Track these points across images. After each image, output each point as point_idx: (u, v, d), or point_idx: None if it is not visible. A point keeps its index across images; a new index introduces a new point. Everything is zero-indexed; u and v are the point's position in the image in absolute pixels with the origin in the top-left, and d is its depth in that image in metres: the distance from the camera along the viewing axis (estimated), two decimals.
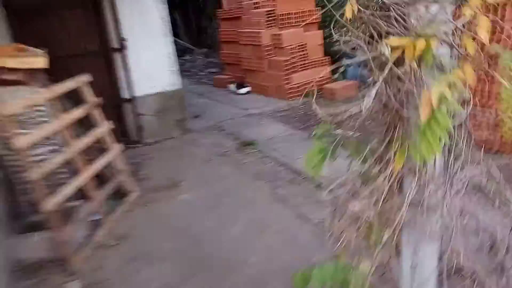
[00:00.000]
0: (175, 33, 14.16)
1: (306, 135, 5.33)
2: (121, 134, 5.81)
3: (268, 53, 7.33)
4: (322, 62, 7.47)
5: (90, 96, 3.92)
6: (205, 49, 12.63)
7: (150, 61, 5.57)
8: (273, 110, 6.73)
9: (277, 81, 7.17)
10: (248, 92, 7.90)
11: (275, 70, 7.18)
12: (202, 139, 5.79)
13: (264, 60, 7.37)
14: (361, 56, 1.17)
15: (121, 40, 5.29)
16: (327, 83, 7.25)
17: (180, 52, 13.16)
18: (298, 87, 7.14)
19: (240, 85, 7.97)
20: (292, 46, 7.07)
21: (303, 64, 7.25)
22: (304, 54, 7.21)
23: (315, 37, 7.39)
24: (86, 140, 3.70)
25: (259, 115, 6.56)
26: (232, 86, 8.04)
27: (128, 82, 5.53)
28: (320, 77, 7.32)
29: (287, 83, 7.09)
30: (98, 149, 4.10)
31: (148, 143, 5.78)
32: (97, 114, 3.98)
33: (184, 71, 11.13)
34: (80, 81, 3.86)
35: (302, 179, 4.19)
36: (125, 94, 5.60)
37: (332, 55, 7.81)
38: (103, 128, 3.97)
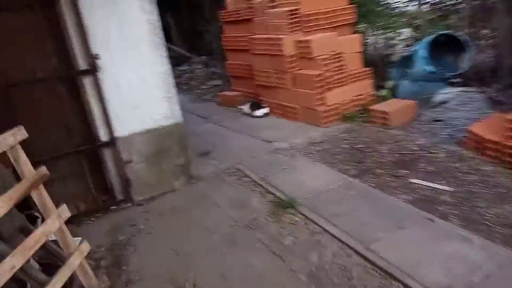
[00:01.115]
0: (167, 38, 12.46)
1: (368, 187, 3.63)
2: (100, 191, 4.07)
3: (293, 65, 5.61)
4: (362, 75, 5.76)
5: (28, 166, 2.18)
6: (204, 57, 10.89)
7: (135, 86, 3.85)
8: (307, 142, 5.02)
9: (307, 102, 5.45)
10: (265, 115, 6.17)
11: (304, 87, 5.45)
12: (216, 193, 4.06)
13: (287, 74, 5.64)
14: None
15: (92, 57, 3.54)
16: (371, 102, 5.54)
17: (175, 60, 11.41)
18: (334, 109, 5.42)
19: (256, 106, 6.25)
20: (325, 56, 5.34)
21: (340, 78, 5.53)
22: (340, 66, 5.49)
23: (352, 43, 5.69)
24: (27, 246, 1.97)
25: (290, 150, 4.83)
26: (246, 107, 6.30)
27: (105, 118, 3.79)
28: (358, 95, 5.62)
29: (321, 104, 5.37)
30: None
31: (139, 202, 4.05)
32: (44, 197, 2.24)
33: (181, 83, 9.41)
34: (12, 139, 2.12)
35: None
36: (102, 135, 3.86)
37: (375, 65, 6.12)
38: (54, 222, 2.23)
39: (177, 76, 9.98)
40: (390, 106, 5.15)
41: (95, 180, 4.07)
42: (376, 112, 5.17)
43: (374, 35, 6.95)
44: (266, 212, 3.57)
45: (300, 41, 5.49)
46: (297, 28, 5.57)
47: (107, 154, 3.94)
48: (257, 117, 6.19)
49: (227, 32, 7.27)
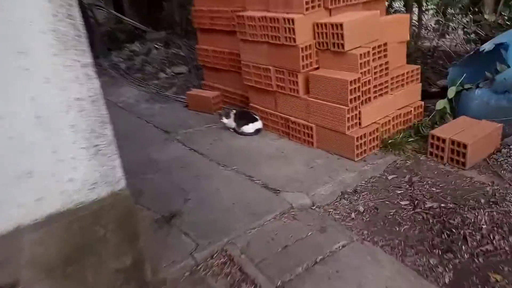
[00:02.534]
0: (118, 7, 9.90)
1: None
2: None
3: (309, 61, 3.56)
4: (408, 77, 3.81)
5: None
6: (163, 32, 8.52)
7: (21, 130, 1.68)
8: (337, 191, 3.13)
9: (331, 120, 3.49)
10: (257, 132, 4.13)
11: (327, 97, 3.46)
12: None
13: (298, 75, 3.59)
14: None
15: None
16: (423, 121, 3.65)
17: (124, 35, 9.00)
18: (373, 131, 3.47)
19: (243, 117, 4.18)
20: (364, 49, 3.33)
21: (382, 84, 3.55)
22: (385, 64, 3.50)
23: (398, 27, 3.70)
24: None
25: (314, 211, 2.91)
26: (229, 120, 4.22)
27: None
28: (403, 108, 3.72)
29: (354, 125, 3.40)
30: None
31: None
32: None
33: (132, 69, 7.08)
34: None
35: None
36: None
37: (420, 61, 4.21)
38: None
39: (127, 59, 7.66)
40: (462, 131, 3.27)
41: None
42: (439, 141, 3.27)
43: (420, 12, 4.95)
44: None
45: (322, 24, 3.44)
46: (317, 4, 3.49)
47: None
48: (246, 134, 4.14)
49: (200, 3, 5.04)
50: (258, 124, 4.14)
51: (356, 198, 3.07)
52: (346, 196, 3.09)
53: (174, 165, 3.70)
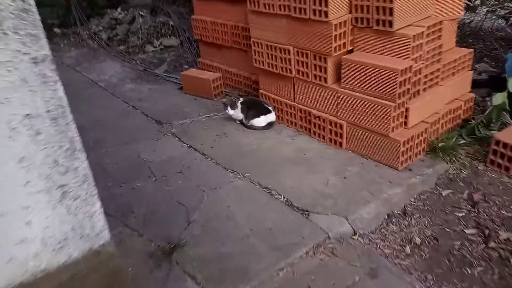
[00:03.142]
0: None
1: None
2: None
3: (342, 42, 2.81)
4: (459, 63, 3.09)
5: None
6: None
7: None
8: (382, 214, 2.49)
9: (370, 119, 2.78)
10: (270, 125, 3.40)
11: (366, 89, 2.71)
12: None
13: (327, 59, 2.84)
14: None
15: None
16: (478, 120, 2.99)
17: (107, 0, 7.97)
18: (420, 133, 2.78)
19: (252, 107, 3.43)
20: (418, 29, 2.59)
21: (434, 73, 2.83)
22: (438, 47, 2.78)
23: (448, 0, 2.94)
24: None
25: (357, 243, 2.28)
26: (236, 111, 3.47)
27: None
28: (452, 102, 3.04)
29: (399, 125, 2.70)
30: None
31: None
32: None
33: (113, 40, 6.17)
34: None
35: None
36: None
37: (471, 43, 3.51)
38: None
39: (108, 28, 6.71)
40: None
41: None
42: (506, 148, 2.61)
43: None
44: None
45: None
46: None
47: None
48: (256, 129, 3.41)
49: None
50: (271, 117, 3.41)
51: (407, 223, 2.41)
52: (394, 219, 2.43)
53: (171, 170, 2.97)
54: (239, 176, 2.82)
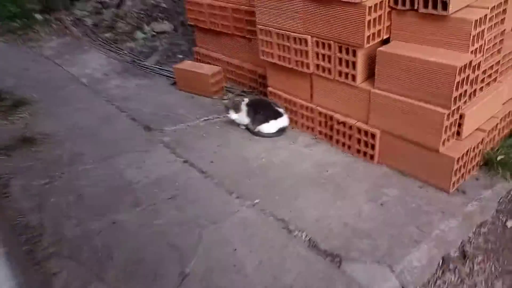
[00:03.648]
0: None
1: None
2: None
3: (376, 30, 2.16)
4: None
5: None
6: None
7: None
8: (438, 256, 1.93)
9: (410, 127, 2.15)
10: (281, 132, 2.78)
11: (406, 89, 2.11)
12: None
13: (360, 52, 2.19)
14: None
15: None
16: None
17: None
18: (477, 145, 2.16)
19: (260, 109, 2.81)
20: (479, 15, 1.93)
21: (493, 67, 2.19)
22: (500, 35, 2.13)
23: None
24: None
25: None
26: (240, 115, 2.86)
27: None
28: (504, 103, 2.40)
29: (451, 136, 2.08)
30: None
31: None
32: None
33: (100, 27, 5.48)
34: None
35: None
36: None
37: None
38: None
39: (94, 12, 6.01)
40: None
41: None
42: None
43: None
44: None
45: None
46: None
47: None
48: (265, 136, 2.80)
49: None
50: (283, 121, 2.80)
51: (468, 270, 1.84)
52: (451, 265, 1.85)
53: (161, 195, 2.38)
54: (246, 204, 2.23)
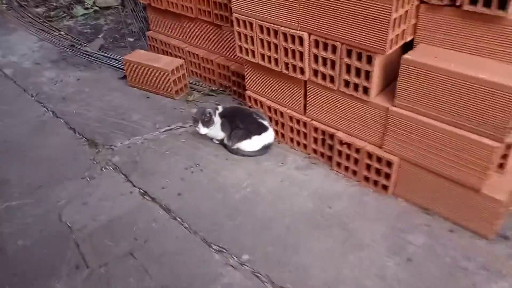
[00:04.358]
0: None
1: None
2: None
3: (401, 30, 1.62)
4: None
5: None
6: None
7: None
8: None
9: (441, 159, 1.69)
10: (265, 149, 2.23)
11: (439, 110, 1.63)
12: None
13: (377, 59, 1.66)
14: None
15: None
16: None
17: None
18: None
19: (241, 125, 2.21)
20: None
21: None
22: None
23: None
24: None
25: None
26: (211, 130, 2.24)
27: None
28: None
29: (493, 173, 1.62)
30: None
31: None
32: None
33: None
34: None
35: None
36: None
37: None
38: None
39: None
40: None
41: None
42: None
43: None
44: None
45: None
46: None
47: None
48: (246, 154, 2.22)
49: None
50: (268, 136, 2.23)
51: None
52: None
53: (114, 250, 1.78)
54: (232, 261, 1.68)
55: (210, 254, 1.73)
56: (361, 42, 1.67)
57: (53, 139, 2.50)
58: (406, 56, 1.62)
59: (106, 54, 3.46)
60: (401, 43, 1.69)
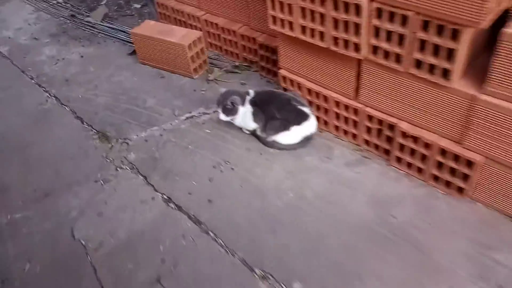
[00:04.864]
0: None
1: None
2: None
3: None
4: None
5: None
6: None
7: None
8: None
9: None
10: (306, 141, 1.87)
11: None
12: None
13: (465, 33, 1.25)
14: None
15: None
16: None
17: None
18: None
19: (277, 113, 1.84)
20: None
21: None
22: None
23: None
24: None
25: None
26: (241, 119, 1.88)
27: None
28: None
29: None
30: None
31: None
32: None
33: None
34: None
35: None
36: None
37: None
38: None
39: None
40: None
41: None
42: None
43: None
44: None
45: None
46: None
47: None
48: (283, 148, 1.87)
49: None
50: (309, 126, 1.87)
51: None
52: None
53: (139, 274, 1.50)
54: None
55: (254, 281, 1.43)
56: (446, 12, 1.25)
57: (58, 132, 2.17)
58: (507, 29, 1.21)
59: (111, 25, 3.04)
60: (496, 13, 1.27)
